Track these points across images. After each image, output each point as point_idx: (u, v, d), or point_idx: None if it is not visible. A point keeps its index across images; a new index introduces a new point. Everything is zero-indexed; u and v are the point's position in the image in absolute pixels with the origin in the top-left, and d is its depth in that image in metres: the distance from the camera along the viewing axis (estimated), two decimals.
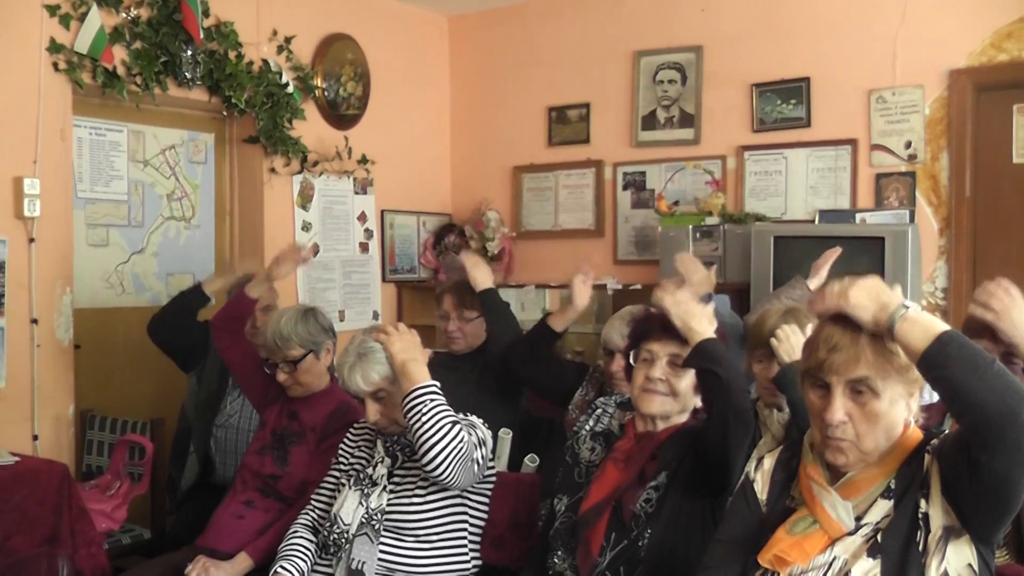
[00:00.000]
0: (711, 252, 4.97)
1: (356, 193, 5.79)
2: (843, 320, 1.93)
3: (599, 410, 2.94)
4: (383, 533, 2.77)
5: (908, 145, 4.90)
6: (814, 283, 3.80)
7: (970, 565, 1.84)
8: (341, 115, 5.67)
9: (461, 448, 2.62)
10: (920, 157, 4.87)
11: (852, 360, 1.89)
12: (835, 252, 3.90)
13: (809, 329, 2.65)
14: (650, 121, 5.66)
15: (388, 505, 2.79)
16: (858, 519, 1.92)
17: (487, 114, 6.30)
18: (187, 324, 4.14)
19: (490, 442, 2.88)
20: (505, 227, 6.01)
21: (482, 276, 3.86)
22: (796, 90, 5.19)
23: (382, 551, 2.76)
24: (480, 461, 2.72)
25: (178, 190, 5.20)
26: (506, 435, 3.54)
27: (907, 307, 1.83)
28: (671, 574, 2.25)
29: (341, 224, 5.75)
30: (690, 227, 5.09)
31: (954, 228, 4.79)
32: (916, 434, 1.96)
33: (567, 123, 5.97)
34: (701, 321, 2.44)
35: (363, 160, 5.73)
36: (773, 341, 2.77)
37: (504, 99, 6.20)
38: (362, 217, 5.84)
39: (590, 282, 3.61)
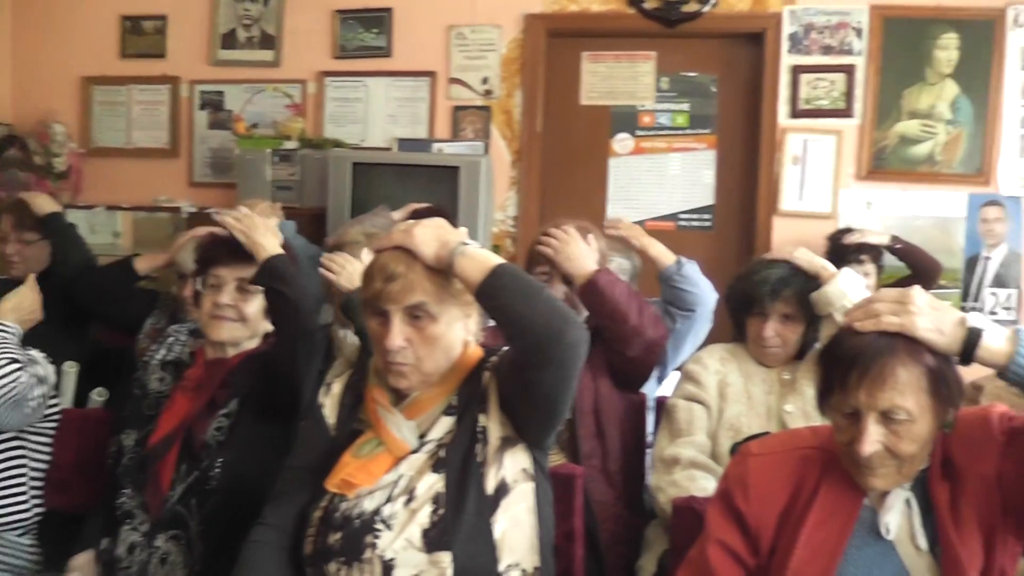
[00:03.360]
0: (289, 177, 4.94)
1: None
2: (398, 249, 1.99)
3: (171, 338, 2.84)
4: None
5: (485, 81, 5.11)
6: (398, 214, 3.90)
7: (524, 470, 1.99)
8: None
9: (12, 389, 2.45)
10: (496, 93, 5.11)
11: (408, 288, 1.95)
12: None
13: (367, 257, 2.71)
14: (230, 40, 5.46)
15: None
16: (422, 437, 2.00)
17: (54, 17, 5.71)
18: None
19: (52, 378, 2.71)
20: (73, 142, 5.55)
21: (43, 202, 3.65)
22: (378, 19, 5.22)
23: None
24: (40, 399, 2.56)
25: None
26: (71, 368, 3.31)
27: (466, 244, 1.92)
28: (245, 502, 2.21)
29: None
30: (268, 151, 5.00)
31: (525, 161, 5.09)
32: (476, 352, 2.08)
33: (142, 34, 5.60)
34: (266, 235, 2.41)
35: None
36: (330, 272, 2.80)
37: (73, 2, 5.70)
38: None
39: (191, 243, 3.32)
